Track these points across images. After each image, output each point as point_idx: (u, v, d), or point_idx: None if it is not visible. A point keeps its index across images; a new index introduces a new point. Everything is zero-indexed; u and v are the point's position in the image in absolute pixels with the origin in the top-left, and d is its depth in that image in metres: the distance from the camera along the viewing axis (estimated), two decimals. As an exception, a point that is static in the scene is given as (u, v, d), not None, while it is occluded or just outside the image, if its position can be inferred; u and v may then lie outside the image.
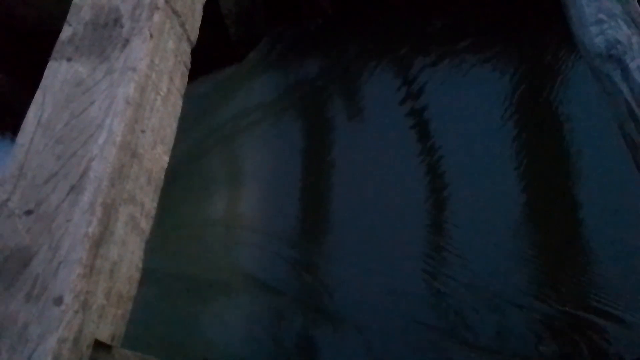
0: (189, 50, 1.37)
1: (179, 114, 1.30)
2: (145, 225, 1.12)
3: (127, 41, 1.16)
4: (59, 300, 0.87)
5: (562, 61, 2.32)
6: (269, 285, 2.10)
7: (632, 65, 0.86)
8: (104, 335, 0.95)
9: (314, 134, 2.56)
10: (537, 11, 2.42)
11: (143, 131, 1.12)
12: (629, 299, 1.69)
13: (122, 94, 1.08)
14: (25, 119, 1.08)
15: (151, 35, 1.17)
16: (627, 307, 1.67)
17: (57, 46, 1.18)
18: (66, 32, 1.20)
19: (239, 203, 2.42)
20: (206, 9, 1.52)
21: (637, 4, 0.97)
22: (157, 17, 1.20)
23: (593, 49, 0.96)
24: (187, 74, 1.36)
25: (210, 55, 2.61)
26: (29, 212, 0.97)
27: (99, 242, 0.95)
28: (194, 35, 1.41)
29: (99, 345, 0.94)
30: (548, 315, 1.76)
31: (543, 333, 1.74)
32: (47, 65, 1.15)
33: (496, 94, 2.33)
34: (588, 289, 1.75)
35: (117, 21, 1.19)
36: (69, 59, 1.15)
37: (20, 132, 1.06)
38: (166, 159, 1.23)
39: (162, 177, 1.21)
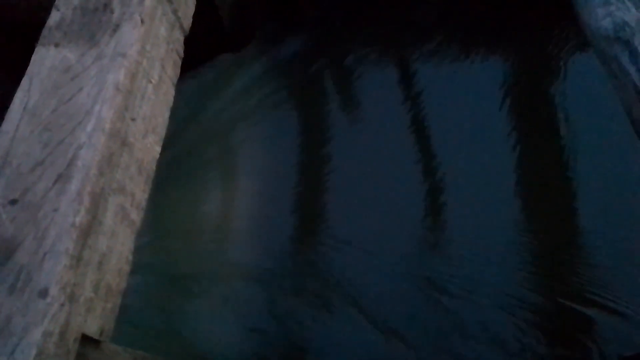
0: (181, 38, 1.34)
1: (171, 104, 1.27)
2: (136, 216, 1.08)
3: (117, 26, 1.12)
4: (44, 292, 0.83)
5: (562, 59, 2.30)
6: (263, 282, 2.07)
7: (641, 48, 0.84)
8: (92, 330, 0.92)
9: (310, 129, 2.53)
10: (538, 9, 2.40)
11: (133, 119, 1.09)
12: (628, 300, 1.67)
13: (111, 81, 1.04)
14: (10, 105, 1.05)
15: (142, 21, 1.14)
16: (626, 309, 1.66)
17: (45, 31, 1.14)
18: (54, 17, 1.16)
19: (233, 199, 2.39)
20: (200, -1, 1.49)
21: (645, -15, 0.95)
22: (148, 3, 1.16)
23: (600, 32, 0.94)
24: (180, 62, 1.32)
25: (204, 47, 2.58)
26: (13, 202, 0.93)
27: (86, 233, 0.91)
28: (187, 23, 1.37)
29: (86, 339, 0.90)
30: (546, 315, 1.74)
31: (540, 332, 1.72)
32: (34, 51, 1.11)
33: (496, 92, 2.30)
34: (587, 289, 1.73)
35: (107, 6, 1.16)
36: (56, 45, 1.12)
37: (5, 118, 1.03)
38: (158, 149, 1.20)
39: (154, 167, 1.18)
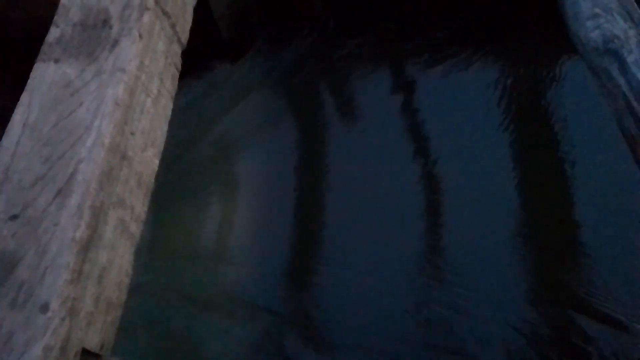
0: (179, 51, 1.35)
1: (169, 117, 1.28)
2: (135, 229, 1.09)
3: (116, 42, 1.14)
4: (45, 307, 0.84)
5: (560, 62, 2.32)
6: (261, 300, 2.06)
7: (630, 59, 0.86)
8: (92, 343, 0.92)
9: (308, 137, 2.54)
10: (535, 12, 2.43)
11: (133, 133, 1.10)
12: (628, 301, 1.67)
13: (111, 95, 1.06)
14: (10, 121, 1.06)
15: (141, 36, 1.15)
16: (626, 309, 1.66)
17: (45, 47, 1.15)
18: (54, 34, 1.18)
19: (231, 211, 2.39)
20: (198, 11, 1.51)
21: (633, -3, 0.97)
22: (146, 18, 1.18)
23: (589, 44, 0.96)
24: (178, 76, 1.34)
25: (203, 58, 2.60)
26: (14, 217, 0.94)
27: (87, 247, 0.92)
28: (185, 36, 1.39)
29: (87, 353, 0.91)
30: (545, 318, 1.74)
31: (540, 336, 1.72)
32: (34, 67, 1.13)
33: (494, 95, 2.32)
34: (587, 290, 1.73)
35: (106, 22, 1.17)
36: (56, 61, 1.13)
37: (5, 134, 1.04)
38: (157, 162, 1.21)
39: (153, 180, 1.19)
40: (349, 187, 2.28)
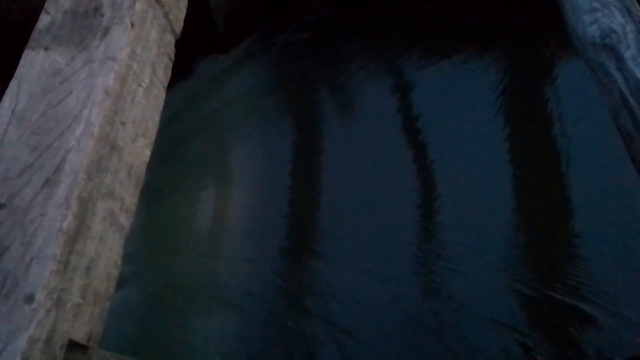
0: (172, 41, 1.33)
1: (161, 107, 1.26)
2: (125, 221, 1.08)
3: (107, 30, 1.12)
4: (30, 298, 0.82)
5: (558, 59, 2.31)
6: (256, 293, 2.04)
7: (627, 55, 0.85)
8: (79, 335, 0.91)
9: (304, 133, 2.53)
10: (535, 10, 2.41)
11: (123, 123, 1.08)
12: (627, 300, 1.67)
13: (101, 84, 1.04)
14: (-2, 109, 1.04)
15: (132, 25, 1.14)
16: (625, 309, 1.66)
17: (34, 35, 1.13)
18: (44, 21, 1.16)
19: (224, 205, 2.38)
20: (193, 2, 1.49)
21: (631, -7, 0.96)
22: (139, 6, 1.16)
23: (587, 39, 0.95)
24: (171, 66, 1.32)
25: (196, 49, 2.58)
26: (0, 206, 0.92)
27: (74, 238, 0.91)
28: (179, 26, 1.37)
29: (73, 345, 0.89)
30: (544, 316, 1.74)
31: (539, 333, 1.72)
32: (23, 54, 1.11)
33: (492, 93, 2.31)
34: (584, 290, 1.73)
35: (97, 10, 1.15)
36: (46, 48, 1.11)
37: (-8, 122, 1.02)
38: (148, 153, 1.19)
39: (144, 171, 1.17)
40: (346, 185, 2.27)
